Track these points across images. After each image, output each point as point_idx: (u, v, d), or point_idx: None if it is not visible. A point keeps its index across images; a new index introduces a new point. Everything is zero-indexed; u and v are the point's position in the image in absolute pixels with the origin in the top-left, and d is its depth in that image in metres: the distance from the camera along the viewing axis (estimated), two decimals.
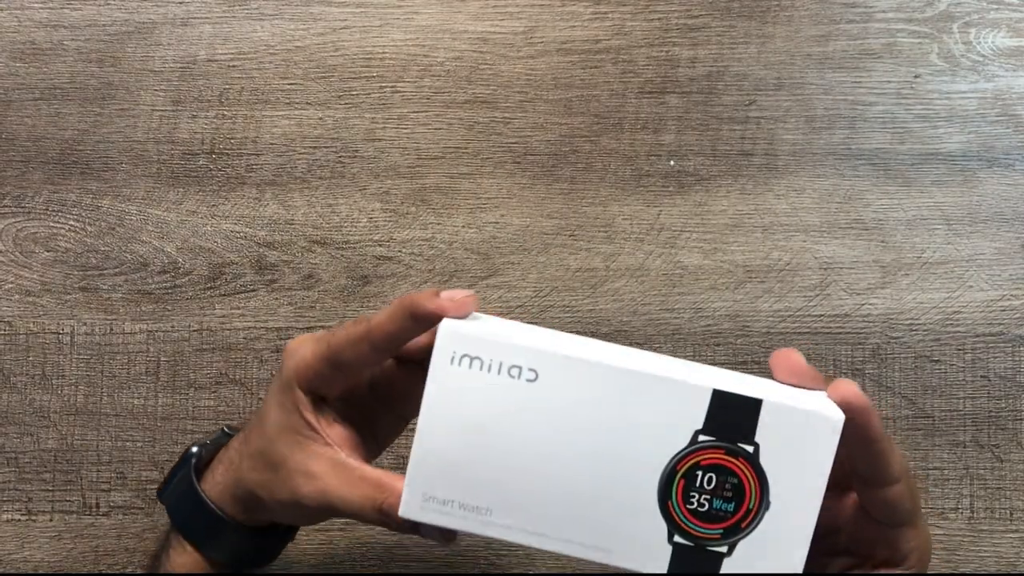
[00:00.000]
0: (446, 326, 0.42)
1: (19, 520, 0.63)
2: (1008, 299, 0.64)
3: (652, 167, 0.64)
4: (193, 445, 0.53)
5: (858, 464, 0.43)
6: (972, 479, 0.63)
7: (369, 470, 0.46)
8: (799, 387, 0.43)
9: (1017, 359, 0.63)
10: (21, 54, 0.64)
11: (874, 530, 0.45)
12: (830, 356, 0.64)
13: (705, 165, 0.64)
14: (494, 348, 0.41)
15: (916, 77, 0.65)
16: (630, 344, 0.64)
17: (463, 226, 0.64)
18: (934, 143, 0.64)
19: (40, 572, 0.63)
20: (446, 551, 0.63)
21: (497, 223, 0.64)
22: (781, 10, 0.65)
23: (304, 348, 0.48)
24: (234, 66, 0.64)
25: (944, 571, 0.63)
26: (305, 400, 0.47)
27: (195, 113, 0.64)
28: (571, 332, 0.63)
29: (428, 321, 0.44)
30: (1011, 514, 0.63)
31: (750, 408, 0.40)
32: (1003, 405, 0.63)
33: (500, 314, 0.64)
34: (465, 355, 0.41)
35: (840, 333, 0.64)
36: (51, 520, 0.63)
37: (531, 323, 0.63)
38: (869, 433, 0.42)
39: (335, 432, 0.48)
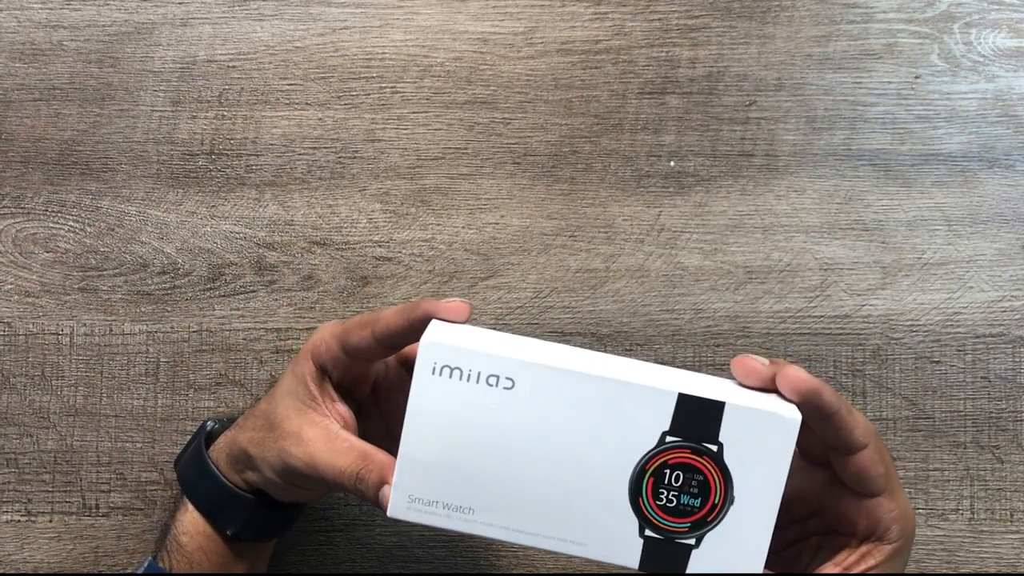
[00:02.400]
0: (428, 338, 0.44)
1: (19, 521, 0.63)
2: (1009, 300, 0.64)
3: (652, 168, 0.64)
4: (208, 420, 0.59)
5: (824, 436, 0.45)
6: (972, 480, 0.63)
7: (356, 441, 0.49)
8: (763, 390, 0.45)
9: (1017, 360, 0.63)
10: (21, 55, 0.64)
11: (853, 503, 0.46)
12: (830, 357, 0.64)
13: (705, 166, 0.64)
14: (473, 358, 0.44)
15: (917, 78, 0.64)
16: (630, 345, 0.64)
17: (463, 227, 0.64)
18: (935, 144, 0.64)
19: (40, 573, 0.63)
20: (445, 552, 0.63)
21: (497, 224, 0.64)
22: (781, 10, 0.65)
23: (326, 327, 0.52)
24: (234, 67, 0.64)
25: (944, 572, 0.63)
26: (314, 372, 0.51)
27: (195, 114, 0.64)
28: (571, 333, 0.64)
29: (422, 322, 0.47)
30: (1011, 515, 0.63)
31: (714, 410, 0.43)
32: (1003, 406, 0.63)
33: (500, 315, 0.64)
34: (445, 366, 0.44)
35: (840, 334, 0.64)
36: (51, 521, 0.63)
37: (531, 324, 0.63)
38: (823, 410, 0.44)
39: (335, 410, 0.51)
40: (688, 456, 0.43)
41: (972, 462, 0.63)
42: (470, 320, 0.48)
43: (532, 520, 0.44)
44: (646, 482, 0.44)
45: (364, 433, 0.53)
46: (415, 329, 0.47)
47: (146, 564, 0.56)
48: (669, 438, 0.43)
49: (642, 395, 0.43)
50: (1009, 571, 0.63)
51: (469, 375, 0.44)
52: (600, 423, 0.43)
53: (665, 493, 0.44)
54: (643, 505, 0.44)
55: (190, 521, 0.55)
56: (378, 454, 0.48)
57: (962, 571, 0.63)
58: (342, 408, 0.52)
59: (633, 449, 0.43)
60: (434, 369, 0.44)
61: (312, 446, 0.49)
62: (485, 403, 0.44)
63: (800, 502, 0.49)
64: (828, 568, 0.47)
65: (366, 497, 0.47)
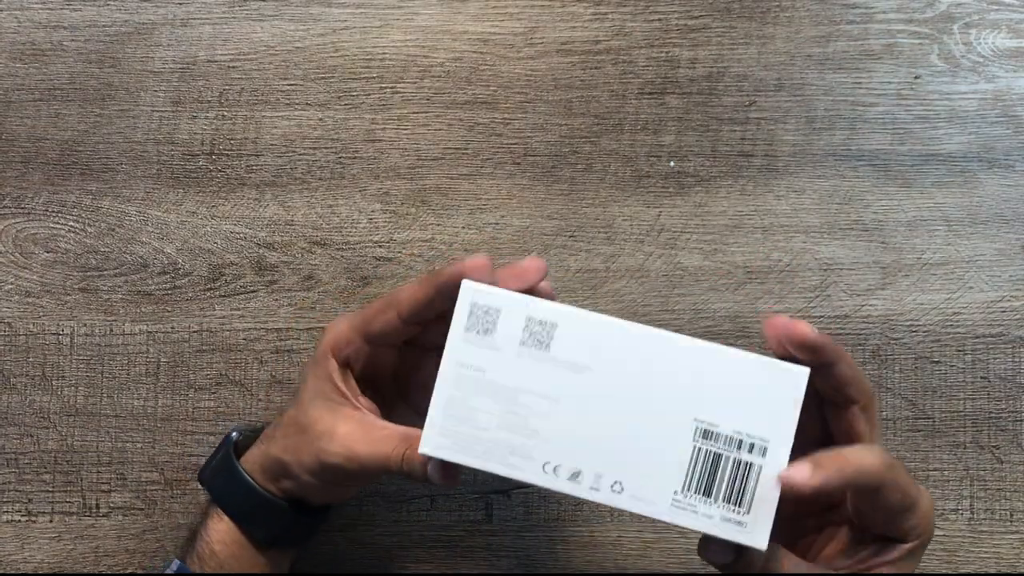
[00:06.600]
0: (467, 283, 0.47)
1: (19, 521, 0.63)
2: (1008, 300, 0.64)
3: (652, 168, 0.64)
4: (233, 430, 0.58)
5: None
6: (972, 480, 0.63)
7: (393, 426, 0.50)
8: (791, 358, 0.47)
9: (1017, 360, 0.63)
10: (21, 55, 0.64)
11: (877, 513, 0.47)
12: None
13: (705, 166, 0.64)
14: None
15: (916, 78, 0.65)
16: None
17: (463, 227, 0.64)
18: (934, 144, 0.64)
19: (40, 573, 0.63)
20: (445, 553, 0.63)
21: (497, 224, 0.64)
22: (781, 11, 0.65)
23: (340, 322, 0.53)
24: (234, 67, 0.64)
25: (944, 572, 0.63)
26: (337, 369, 0.52)
27: (195, 114, 0.64)
28: None
29: (448, 287, 0.47)
30: (1011, 515, 0.63)
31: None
32: (1003, 406, 0.63)
33: None
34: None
35: (840, 334, 0.64)
36: (51, 521, 0.63)
37: None
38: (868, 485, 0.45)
39: (362, 402, 0.52)
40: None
41: (972, 462, 0.63)
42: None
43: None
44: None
45: (392, 422, 0.53)
46: (442, 296, 0.48)
47: (175, 566, 0.56)
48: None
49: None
50: (1009, 571, 0.63)
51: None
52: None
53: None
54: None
55: (225, 530, 0.55)
56: (418, 432, 0.48)
57: (962, 571, 0.63)
58: (367, 402, 0.52)
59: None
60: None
61: (350, 440, 0.50)
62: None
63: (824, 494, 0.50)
64: (841, 560, 0.47)
65: (414, 476, 0.48)
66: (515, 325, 0.46)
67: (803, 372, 0.45)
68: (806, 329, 0.45)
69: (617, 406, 0.46)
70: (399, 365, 0.55)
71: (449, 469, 0.47)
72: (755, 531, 0.45)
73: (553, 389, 0.46)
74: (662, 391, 0.46)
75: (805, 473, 0.43)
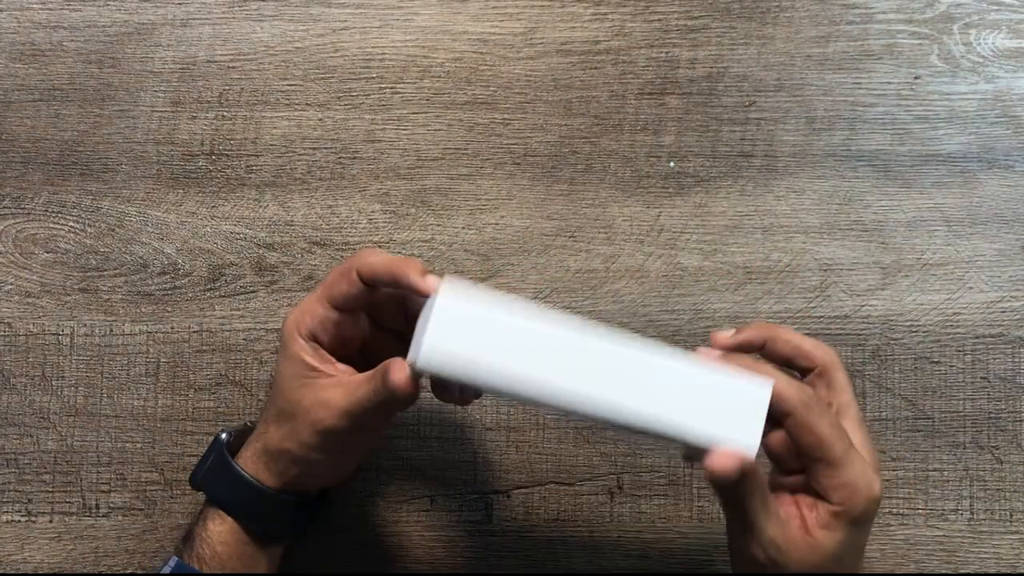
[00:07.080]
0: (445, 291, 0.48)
1: (19, 521, 0.63)
2: (1008, 300, 0.64)
3: (652, 168, 0.64)
4: (222, 432, 0.57)
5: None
6: (972, 480, 0.63)
7: (368, 372, 0.51)
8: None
9: (1017, 360, 0.63)
10: (21, 55, 0.64)
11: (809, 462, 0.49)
12: None
13: (705, 166, 0.64)
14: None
15: (916, 78, 0.65)
16: None
17: (463, 227, 0.64)
18: (934, 144, 0.64)
19: (40, 573, 0.63)
20: (444, 553, 0.63)
21: (497, 224, 0.64)
22: (781, 11, 0.65)
23: (293, 309, 0.54)
24: (233, 67, 0.64)
25: (944, 572, 0.63)
26: (305, 346, 0.53)
27: (195, 114, 0.64)
28: None
29: (367, 280, 0.51)
30: (1011, 515, 0.63)
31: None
32: (1003, 406, 0.63)
33: None
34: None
35: (840, 334, 0.64)
36: (51, 521, 0.63)
37: None
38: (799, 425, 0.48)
39: (339, 367, 0.53)
40: None
41: (972, 462, 0.63)
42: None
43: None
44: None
45: None
46: (362, 282, 0.52)
47: (173, 564, 0.56)
48: None
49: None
50: (1009, 571, 0.63)
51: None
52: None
53: None
54: None
55: (228, 531, 0.55)
56: (394, 359, 0.50)
57: (962, 571, 0.63)
58: (343, 366, 0.53)
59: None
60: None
61: (339, 398, 0.51)
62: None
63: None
64: (786, 503, 0.49)
65: (393, 388, 0.49)
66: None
67: (767, 385, 0.47)
68: (722, 343, 0.51)
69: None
70: (367, 342, 0.56)
71: (417, 380, 0.49)
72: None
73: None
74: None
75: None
